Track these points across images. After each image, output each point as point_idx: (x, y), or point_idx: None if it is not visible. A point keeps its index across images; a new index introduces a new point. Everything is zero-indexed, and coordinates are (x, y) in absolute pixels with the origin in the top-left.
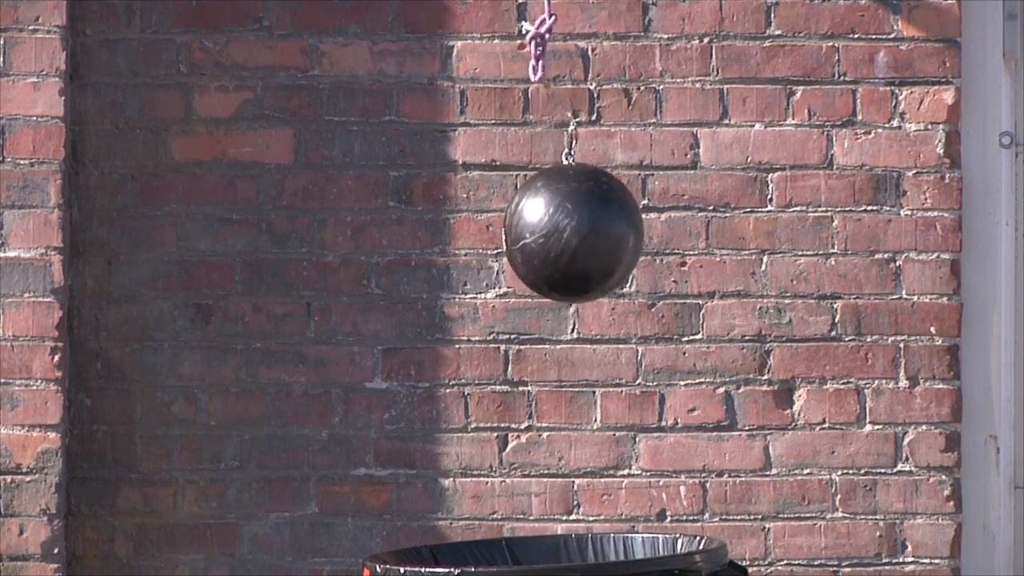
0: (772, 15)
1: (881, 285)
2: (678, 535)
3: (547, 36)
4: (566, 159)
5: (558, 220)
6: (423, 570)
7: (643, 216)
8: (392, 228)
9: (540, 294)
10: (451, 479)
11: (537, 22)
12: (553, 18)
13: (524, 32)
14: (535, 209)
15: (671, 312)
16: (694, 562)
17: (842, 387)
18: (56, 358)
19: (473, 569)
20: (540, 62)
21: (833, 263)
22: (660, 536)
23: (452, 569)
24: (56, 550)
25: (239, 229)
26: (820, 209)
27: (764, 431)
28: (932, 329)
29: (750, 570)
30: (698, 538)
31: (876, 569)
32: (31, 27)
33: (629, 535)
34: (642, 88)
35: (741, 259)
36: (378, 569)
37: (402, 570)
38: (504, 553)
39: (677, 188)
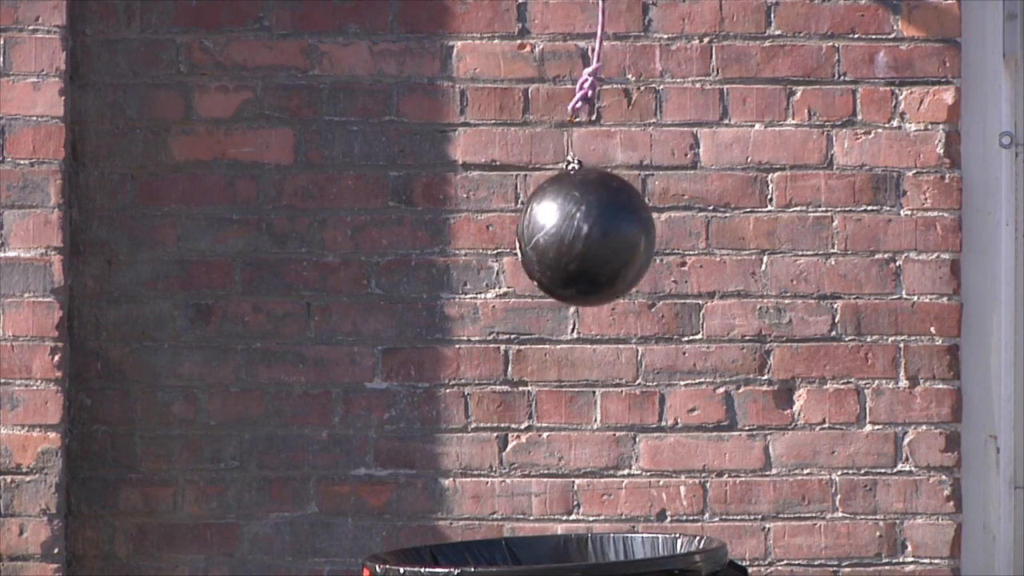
0: (772, 15)
1: (881, 285)
2: (678, 535)
3: (594, 85)
4: (568, 165)
5: (570, 210)
6: (422, 570)
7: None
8: (392, 228)
9: (556, 295)
10: (451, 479)
11: (591, 69)
12: (599, 65)
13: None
14: (547, 209)
15: (671, 312)
16: (694, 562)
17: (842, 387)
18: (56, 358)
19: (472, 569)
20: (582, 103)
21: (833, 263)
22: (660, 536)
23: (452, 569)
24: (56, 550)
25: (239, 229)
26: (820, 209)
27: (764, 431)
28: (932, 329)
29: (750, 570)
30: (698, 538)
31: (876, 569)
32: (31, 27)
33: (629, 535)
34: (642, 88)
35: (741, 259)
36: (377, 569)
37: (401, 570)
38: (504, 553)
39: (677, 188)
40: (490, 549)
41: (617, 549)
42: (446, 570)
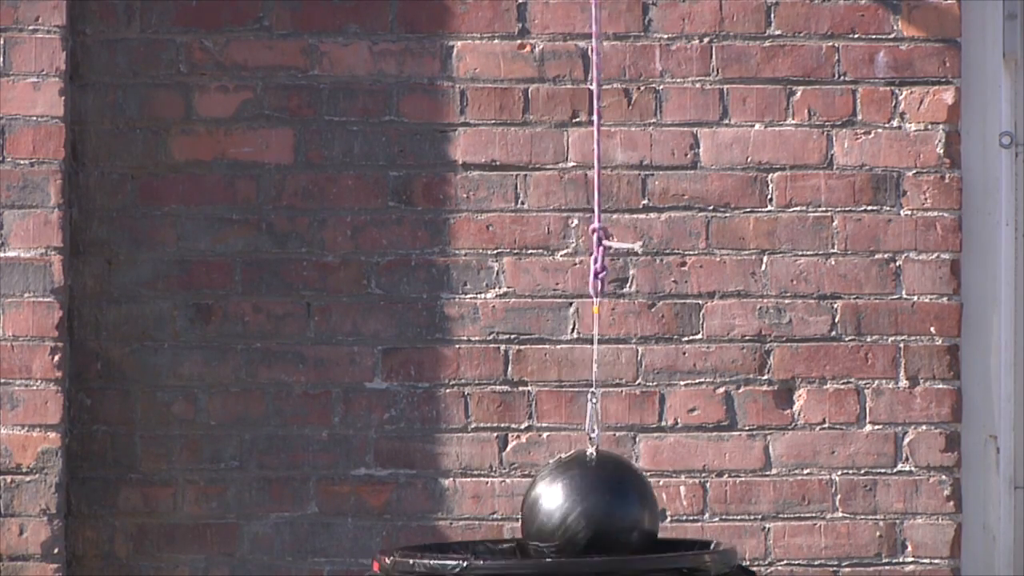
0: (772, 15)
1: (881, 285)
2: (690, 540)
3: (605, 253)
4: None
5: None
6: (431, 562)
7: (645, 217)
8: (392, 228)
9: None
10: (451, 479)
11: (595, 241)
12: (603, 229)
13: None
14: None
15: (671, 312)
16: (703, 562)
17: (842, 387)
18: (56, 358)
19: (481, 562)
20: (599, 278)
21: (833, 263)
22: (670, 539)
23: (460, 561)
24: (56, 550)
25: (239, 229)
26: (820, 209)
27: (764, 431)
28: (932, 329)
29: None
30: (711, 542)
31: (876, 569)
32: (31, 27)
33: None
34: (642, 88)
35: (741, 259)
36: (387, 561)
37: (411, 561)
38: (516, 554)
39: (677, 188)
40: (502, 547)
41: None
42: (454, 561)
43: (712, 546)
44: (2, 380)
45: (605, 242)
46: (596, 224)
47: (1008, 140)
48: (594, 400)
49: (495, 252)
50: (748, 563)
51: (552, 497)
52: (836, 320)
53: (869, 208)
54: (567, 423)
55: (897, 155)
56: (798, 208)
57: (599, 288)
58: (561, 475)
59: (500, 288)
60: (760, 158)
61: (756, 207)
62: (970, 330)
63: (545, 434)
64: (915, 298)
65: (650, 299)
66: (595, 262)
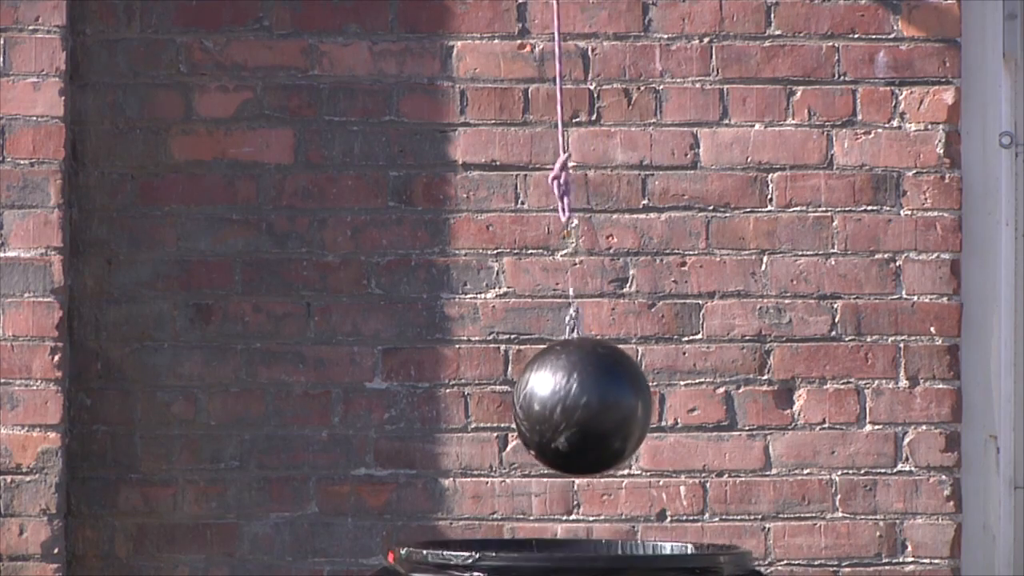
0: (772, 15)
1: (881, 285)
2: (707, 544)
3: (567, 175)
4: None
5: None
6: (445, 552)
7: (645, 217)
8: (392, 228)
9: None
10: (451, 479)
11: (558, 164)
12: (567, 155)
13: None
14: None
15: (671, 312)
16: (717, 563)
17: (842, 387)
18: (56, 358)
19: (494, 554)
20: (565, 200)
21: (833, 263)
22: (689, 545)
23: (473, 553)
24: (56, 550)
25: (239, 229)
26: (820, 209)
27: (764, 431)
28: (932, 329)
29: None
30: (721, 546)
31: (876, 569)
32: (31, 27)
33: (658, 543)
34: (642, 88)
35: (741, 259)
36: (402, 552)
37: (425, 552)
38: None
39: (677, 188)
40: (520, 550)
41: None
42: (467, 553)
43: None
44: (2, 380)
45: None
46: (563, 155)
47: (1008, 140)
48: (574, 313)
49: (495, 252)
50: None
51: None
52: (836, 320)
53: (869, 208)
54: None
55: (897, 155)
56: (798, 208)
57: (565, 214)
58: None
59: (500, 288)
60: (760, 158)
61: (756, 207)
62: (970, 330)
63: None
64: (915, 298)
65: (650, 299)
66: (560, 186)
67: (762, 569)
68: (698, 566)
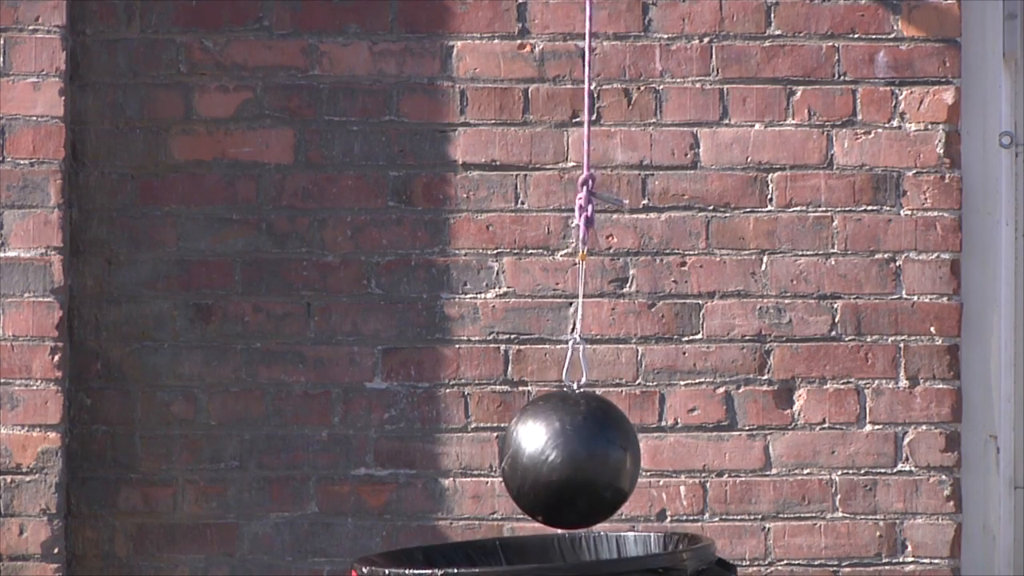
0: (772, 15)
1: (881, 285)
2: (672, 534)
3: (592, 200)
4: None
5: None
6: (406, 571)
7: (645, 217)
8: (392, 228)
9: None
10: (451, 479)
11: (582, 188)
12: (591, 177)
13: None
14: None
15: (671, 312)
16: (680, 560)
17: (842, 387)
18: (56, 358)
19: (456, 570)
20: (588, 231)
21: (833, 263)
22: (652, 535)
23: (435, 570)
24: (56, 550)
25: (239, 229)
26: (820, 209)
27: (764, 431)
28: (932, 329)
29: (750, 570)
30: (688, 536)
31: (876, 569)
32: (31, 27)
33: (622, 534)
34: (642, 88)
35: (741, 259)
36: (364, 570)
37: (386, 571)
38: (498, 554)
39: (677, 188)
40: (484, 550)
41: (610, 548)
42: (428, 571)
43: (689, 542)
44: (2, 380)
45: (593, 192)
46: (586, 174)
47: (1008, 140)
48: (576, 344)
49: (495, 252)
50: (747, 563)
51: (534, 435)
52: (836, 320)
53: (869, 208)
54: None
55: (897, 155)
56: (798, 208)
57: (583, 235)
58: (543, 413)
59: (500, 288)
60: (760, 158)
61: (756, 207)
62: (970, 330)
63: None
64: (915, 298)
65: (650, 299)
66: (582, 211)
67: (730, 561)
68: (659, 566)
